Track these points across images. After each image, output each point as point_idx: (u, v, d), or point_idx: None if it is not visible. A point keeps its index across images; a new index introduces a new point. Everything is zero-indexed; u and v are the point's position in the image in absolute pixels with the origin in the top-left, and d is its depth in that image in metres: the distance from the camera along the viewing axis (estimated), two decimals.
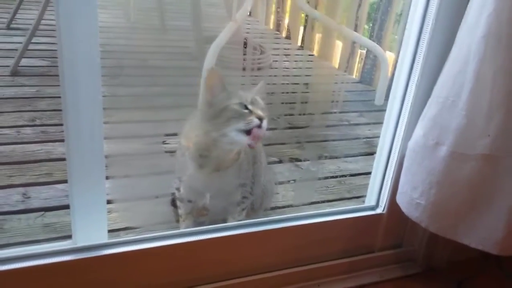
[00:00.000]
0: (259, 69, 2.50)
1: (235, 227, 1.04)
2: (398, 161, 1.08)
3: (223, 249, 1.02)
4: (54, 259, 0.86)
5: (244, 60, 2.44)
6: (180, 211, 1.15)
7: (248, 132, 0.94)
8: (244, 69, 2.43)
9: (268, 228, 1.06)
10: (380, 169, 1.16)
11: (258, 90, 1.05)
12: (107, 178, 0.90)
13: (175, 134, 1.69)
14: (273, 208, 1.36)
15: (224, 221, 1.13)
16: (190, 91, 1.88)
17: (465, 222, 0.95)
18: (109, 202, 1.07)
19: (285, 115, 2.08)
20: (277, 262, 1.09)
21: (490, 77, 0.87)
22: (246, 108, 0.95)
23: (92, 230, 0.90)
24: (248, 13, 2.14)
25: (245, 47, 2.53)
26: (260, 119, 0.94)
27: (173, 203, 1.26)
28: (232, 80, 2.27)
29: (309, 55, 3.03)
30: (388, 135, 1.12)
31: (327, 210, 1.14)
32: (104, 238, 0.92)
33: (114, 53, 2.39)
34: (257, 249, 1.06)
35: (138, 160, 1.43)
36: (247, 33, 2.69)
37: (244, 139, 0.94)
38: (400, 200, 1.04)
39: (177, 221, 1.17)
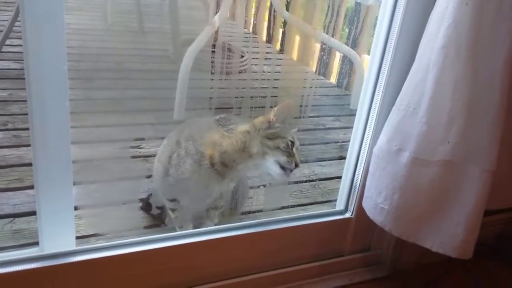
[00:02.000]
0: (235, 72, 2.51)
1: (205, 233, 1.05)
2: (365, 166, 1.11)
3: (193, 255, 1.03)
4: (20, 267, 0.86)
5: (222, 63, 2.46)
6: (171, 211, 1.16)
7: (282, 167, 1.01)
8: (222, 72, 2.44)
9: (238, 234, 1.07)
10: (349, 174, 1.19)
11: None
12: (75, 184, 0.89)
13: (151, 138, 1.70)
14: (245, 213, 1.37)
15: (198, 225, 1.14)
16: (167, 94, 1.89)
17: (427, 226, 0.98)
18: (77, 208, 1.07)
19: None
20: (248, 266, 1.10)
21: (449, 86, 0.90)
22: (292, 149, 1.02)
23: (59, 237, 0.90)
24: (227, 17, 2.13)
25: (224, 51, 2.54)
26: (297, 165, 1.02)
27: (144, 207, 1.26)
28: (207, 84, 2.29)
29: (288, 59, 3.04)
30: (357, 141, 1.14)
31: (297, 215, 1.16)
32: (72, 245, 0.92)
33: (90, 56, 2.38)
34: (227, 255, 1.07)
35: (109, 165, 1.43)
36: (226, 36, 2.70)
37: (277, 171, 1.02)
38: (365, 204, 1.07)
39: (146, 227, 1.18)
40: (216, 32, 2.23)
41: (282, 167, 1.02)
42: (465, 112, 0.91)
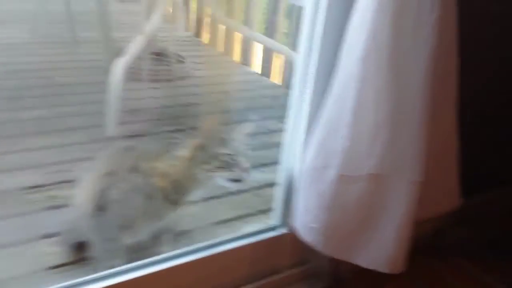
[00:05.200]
0: (176, 79, 2.43)
1: (121, 273, 0.96)
2: (296, 181, 1.06)
3: None
4: None
5: (158, 71, 2.37)
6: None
7: (236, 180, 1.01)
8: (160, 80, 2.36)
9: (162, 269, 0.99)
10: (281, 189, 1.14)
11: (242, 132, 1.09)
12: None
13: (82, 159, 1.59)
14: (181, 233, 1.31)
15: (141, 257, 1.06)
16: (100, 109, 1.79)
17: (358, 243, 0.95)
18: None
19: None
20: None
21: (371, 98, 0.86)
22: (234, 159, 1.00)
23: None
24: (159, 24, 2.05)
25: (160, 57, 2.46)
26: (246, 171, 1.01)
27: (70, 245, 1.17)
28: (144, 94, 2.20)
29: (230, 61, 2.99)
30: (286, 155, 1.10)
31: (229, 237, 1.10)
32: None
33: (16, 73, 2.25)
34: None
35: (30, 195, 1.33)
36: (166, 41, 2.62)
37: (231, 185, 1.02)
38: (296, 223, 1.03)
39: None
40: (151, 39, 2.15)
41: (234, 180, 1.01)
42: (388, 123, 0.88)
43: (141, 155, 1.06)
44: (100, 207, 1.03)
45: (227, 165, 1.00)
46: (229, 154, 1.01)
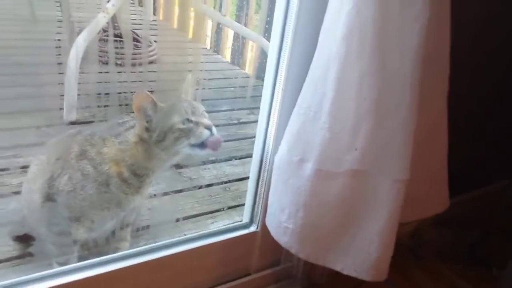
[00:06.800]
0: (140, 64, 2.31)
1: (77, 269, 0.86)
2: (268, 177, 0.97)
3: None
4: None
5: (124, 54, 2.24)
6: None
7: (202, 144, 0.91)
8: (126, 64, 2.23)
9: (125, 266, 0.90)
10: (253, 183, 1.04)
11: (187, 89, 0.99)
12: None
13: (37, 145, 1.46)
14: (143, 228, 1.20)
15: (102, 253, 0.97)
16: (60, 91, 1.66)
17: (337, 246, 0.86)
18: None
19: None
20: None
21: (354, 83, 0.77)
22: (190, 121, 0.90)
23: None
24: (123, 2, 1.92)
25: (127, 40, 2.33)
26: (209, 128, 0.91)
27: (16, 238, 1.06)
28: (108, 77, 2.07)
29: (202, 48, 2.87)
30: (259, 147, 1.00)
31: (194, 235, 1.01)
32: None
33: None
34: None
35: None
36: (133, 24, 2.48)
37: (202, 152, 0.92)
38: (269, 222, 0.93)
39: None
40: (116, 19, 2.02)
41: (201, 144, 0.91)
42: (372, 112, 0.78)
43: (87, 140, 0.95)
44: (49, 197, 0.93)
45: (186, 132, 0.90)
46: (182, 120, 0.91)
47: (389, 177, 0.81)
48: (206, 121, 0.92)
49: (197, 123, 0.91)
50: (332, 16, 0.77)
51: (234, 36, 2.68)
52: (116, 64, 2.16)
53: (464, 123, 1.30)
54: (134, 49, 2.33)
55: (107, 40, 2.08)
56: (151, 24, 2.99)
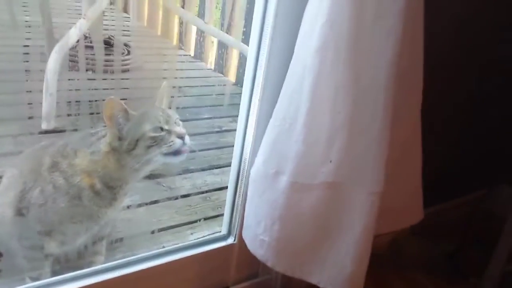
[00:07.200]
0: (124, 71, 2.28)
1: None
2: (245, 188, 0.96)
3: None
4: None
5: (107, 61, 2.22)
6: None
7: (175, 152, 0.89)
8: (107, 71, 2.20)
9: (100, 281, 0.89)
10: (230, 194, 1.04)
11: (162, 97, 0.97)
12: None
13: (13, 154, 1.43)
14: (118, 240, 1.18)
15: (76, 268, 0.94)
16: (38, 99, 1.63)
17: (313, 259, 0.85)
18: None
19: None
20: None
21: (329, 96, 0.77)
22: (162, 129, 0.88)
23: None
24: (103, 9, 1.90)
25: (110, 47, 2.30)
26: (181, 137, 0.89)
27: None
28: (88, 85, 2.04)
29: (185, 55, 2.85)
30: (236, 159, 0.99)
31: (170, 248, 0.99)
32: None
33: None
34: None
35: None
36: (114, 30, 2.46)
37: (174, 160, 0.90)
38: (245, 235, 0.92)
39: None
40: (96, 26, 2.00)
41: (173, 153, 0.90)
42: (347, 125, 0.78)
43: (59, 152, 0.93)
44: (20, 211, 0.91)
45: (158, 140, 0.88)
46: (154, 128, 0.89)
47: (363, 189, 0.81)
48: (179, 129, 0.91)
49: (169, 132, 0.89)
50: (307, 27, 0.77)
51: (218, 43, 2.67)
52: (99, 71, 2.14)
53: (441, 132, 1.31)
54: (117, 55, 2.31)
55: (88, 47, 2.06)
56: (134, 31, 2.98)
